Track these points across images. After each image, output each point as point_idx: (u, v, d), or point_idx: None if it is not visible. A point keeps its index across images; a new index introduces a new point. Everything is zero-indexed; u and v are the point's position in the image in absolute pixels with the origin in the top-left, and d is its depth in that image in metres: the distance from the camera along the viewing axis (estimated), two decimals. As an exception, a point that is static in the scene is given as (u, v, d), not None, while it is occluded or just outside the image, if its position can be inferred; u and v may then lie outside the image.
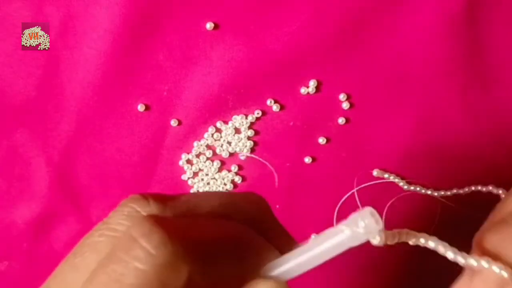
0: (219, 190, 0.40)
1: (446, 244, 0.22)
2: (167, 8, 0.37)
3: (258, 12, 0.37)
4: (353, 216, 0.21)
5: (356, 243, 0.21)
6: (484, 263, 0.22)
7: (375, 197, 0.40)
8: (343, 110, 0.39)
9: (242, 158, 0.37)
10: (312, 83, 0.38)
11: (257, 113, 0.39)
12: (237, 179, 0.40)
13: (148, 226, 0.19)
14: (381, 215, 0.23)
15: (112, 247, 0.20)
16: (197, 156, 0.40)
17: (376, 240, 0.21)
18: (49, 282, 0.21)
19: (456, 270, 0.23)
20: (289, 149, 0.40)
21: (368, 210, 0.21)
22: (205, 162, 0.40)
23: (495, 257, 0.22)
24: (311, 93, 0.39)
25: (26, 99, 0.39)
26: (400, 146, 0.40)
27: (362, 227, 0.20)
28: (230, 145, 0.40)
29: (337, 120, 0.39)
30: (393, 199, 0.40)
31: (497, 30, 0.38)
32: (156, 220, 0.20)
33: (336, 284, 0.41)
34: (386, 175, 0.39)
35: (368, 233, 0.20)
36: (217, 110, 0.39)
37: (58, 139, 0.40)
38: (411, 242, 0.22)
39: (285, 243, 0.24)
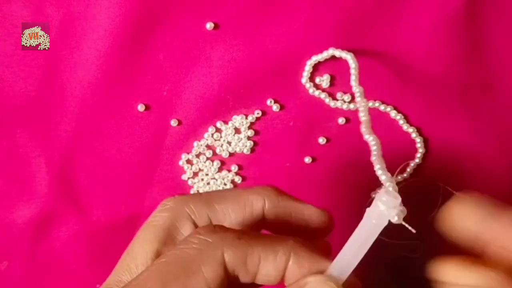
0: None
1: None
2: (167, 8, 0.37)
3: (258, 12, 0.37)
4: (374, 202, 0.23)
5: (384, 221, 0.23)
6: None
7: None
8: (343, 110, 0.39)
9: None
10: (313, 83, 0.38)
11: (257, 113, 0.39)
12: (237, 179, 0.40)
13: None
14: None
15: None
16: (197, 156, 0.40)
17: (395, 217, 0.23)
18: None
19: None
20: (289, 149, 0.40)
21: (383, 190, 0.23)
22: (205, 162, 0.40)
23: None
24: (311, 93, 0.39)
25: (26, 99, 0.39)
26: (400, 146, 0.40)
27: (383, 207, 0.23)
28: (230, 145, 0.40)
29: (337, 120, 0.39)
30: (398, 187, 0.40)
31: (497, 30, 0.38)
32: None
33: None
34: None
35: (390, 209, 0.23)
36: (217, 110, 0.39)
37: (58, 139, 0.40)
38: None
39: (316, 216, 0.29)
